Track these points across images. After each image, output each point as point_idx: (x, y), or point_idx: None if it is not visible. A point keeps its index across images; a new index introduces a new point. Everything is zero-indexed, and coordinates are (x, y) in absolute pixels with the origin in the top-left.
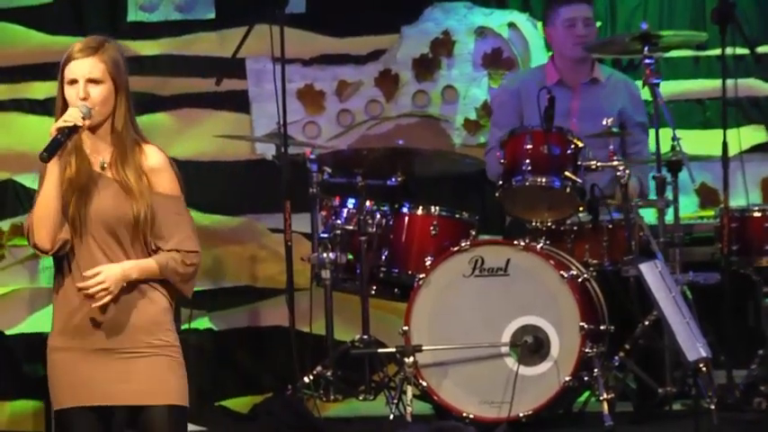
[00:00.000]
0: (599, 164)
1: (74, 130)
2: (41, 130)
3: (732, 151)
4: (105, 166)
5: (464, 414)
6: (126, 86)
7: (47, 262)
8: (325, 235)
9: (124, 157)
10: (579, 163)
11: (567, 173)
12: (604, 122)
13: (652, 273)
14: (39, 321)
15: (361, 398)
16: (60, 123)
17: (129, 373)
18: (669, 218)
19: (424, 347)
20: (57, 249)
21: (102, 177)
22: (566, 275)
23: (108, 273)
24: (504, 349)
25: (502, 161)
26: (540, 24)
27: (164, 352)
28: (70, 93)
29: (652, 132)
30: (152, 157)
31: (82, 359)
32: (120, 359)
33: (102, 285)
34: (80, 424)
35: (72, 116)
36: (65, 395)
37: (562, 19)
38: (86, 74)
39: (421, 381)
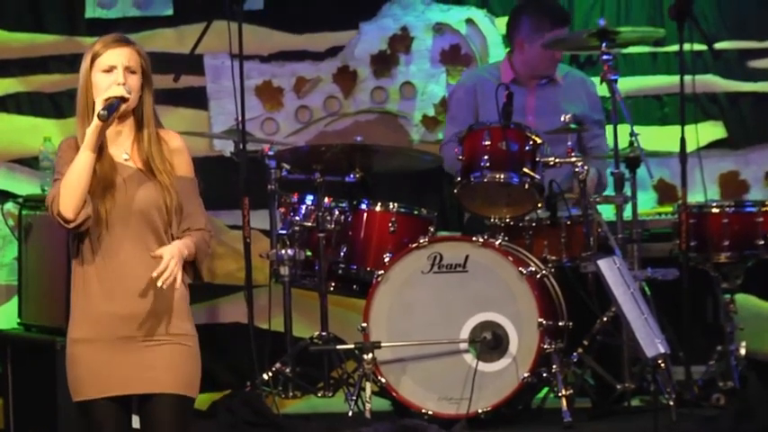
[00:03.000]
0: (557, 160)
1: (122, 101)
2: None
3: (690, 147)
4: (128, 156)
5: (423, 410)
6: (151, 81)
7: (5, 259)
8: (284, 231)
9: (149, 146)
10: (538, 159)
11: (525, 169)
12: (562, 119)
13: (610, 269)
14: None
15: (319, 395)
16: (110, 94)
17: (145, 361)
18: (627, 214)
19: (382, 344)
20: (79, 224)
21: (126, 168)
22: (524, 272)
23: (172, 251)
24: (463, 346)
25: (460, 157)
26: (498, 21)
27: (180, 341)
28: (105, 79)
29: (610, 128)
30: (172, 140)
31: (103, 349)
32: (139, 347)
33: (173, 263)
34: (106, 415)
35: (118, 90)
36: (88, 386)
37: (547, 41)
38: (125, 62)
39: (380, 377)
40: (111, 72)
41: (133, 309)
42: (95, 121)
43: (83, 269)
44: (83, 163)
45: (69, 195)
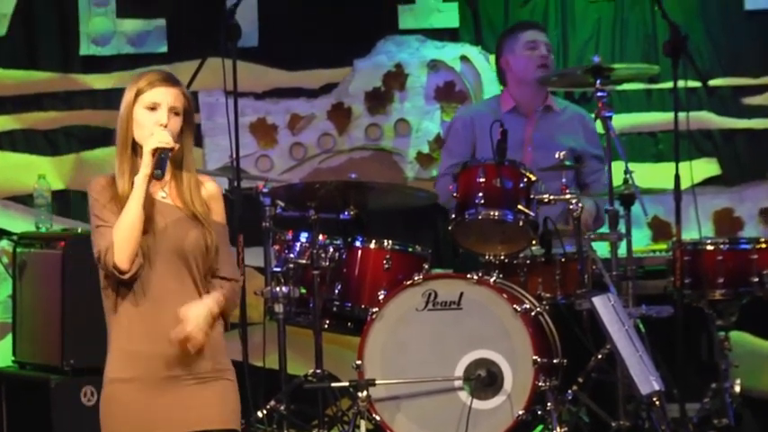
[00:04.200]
0: (552, 197)
1: (171, 151)
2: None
3: (684, 184)
4: (165, 195)
5: None
6: (194, 124)
7: (0, 297)
8: (278, 269)
9: (189, 187)
10: (532, 196)
11: (519, 206)
12: (557, 156)
13: (605, 306)
14: None
15: None
16: (158, 144)
17: (192, 399)
18: (622, 251)
19: (377, 381)
20: (134, 273)
21: (166, 206)
22: (519, 309)
23: (197, 312)
24: (458, 383)
25: (455, 194)
26: (492, 57)
27: (224, 376)
28: (148, 117)
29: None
30: (209, 185)
31: (143, 390)
32: (185, 386)
33: (199, 327)
34: None
35: (165, 139)
36: (126, 427)
37: (524, 42)
38: (171, 102)
39: (374, 415)
40: (155, 110)
41: (176, 349)
42: (144, 171)
43: (125, 309)
44: (135, 214)
45: (124, 247)
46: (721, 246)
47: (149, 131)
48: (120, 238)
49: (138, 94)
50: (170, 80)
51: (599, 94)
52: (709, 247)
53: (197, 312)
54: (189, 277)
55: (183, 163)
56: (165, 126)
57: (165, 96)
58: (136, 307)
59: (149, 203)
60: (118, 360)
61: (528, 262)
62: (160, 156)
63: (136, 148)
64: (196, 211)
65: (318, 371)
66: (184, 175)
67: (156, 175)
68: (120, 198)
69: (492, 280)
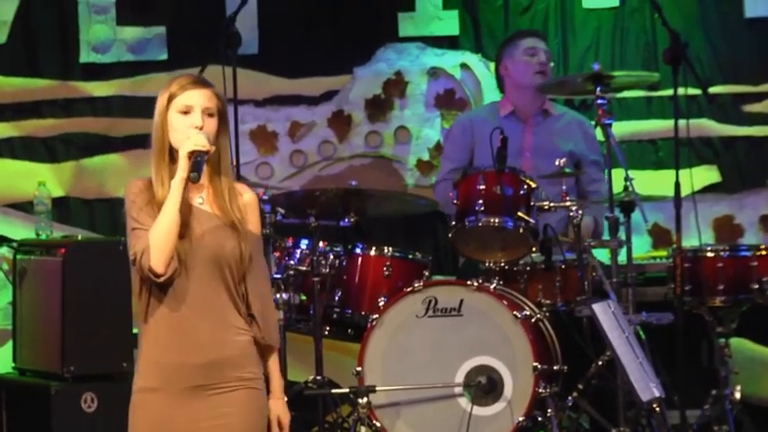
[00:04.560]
0: (552, 204)
1: (206, 154)
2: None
3: (684, 191)
4: (202, 200)
5: None
6: (228, 125)
7: (0, 303)
8: (279, 276)
9: (226, 193)
10: (532, 203)
11: (519, 213)
12: (557, 163)
13: (605, 313)
14: None
15: None
16: (194, 147)
17: (218, 409)
18: (622, 258)
19: (377, 388)
20: (169, 276)
21: (202, 212)
22: (519, 316)
23: (284, 415)
24: (458, 390)
25: (455, 201)
26: (492, 65)
27: (252, 384)
28: (183, 121)
29: (606, 172)
30: (246, 194)
31: (169, 399)
32: (211, 395)
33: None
34: None
35: (201, 141)
36: None
37: (523, 48)
38: (203, 104)
39: (374, 421)
40: (188, 113)
41: (205, 357)
42: (180, 175)
43: (156, 316)
44: (171, 218)
45: (160, 250)
46: (721, 253)
47: (185, 135)
48: (156, 241)
49: (170, 98)
50: (202, 82)
51: (599, 101)
52: (710, 254)
53: (283, 415)
54: (222, 285)
55: (220, 166)
56: (201, 128)
57: (199, 98)
58: (168, 313)
59: (186, 209)
60: (146, 369)
61: (528, 269)
62: (196, 159)
63: (173, 154)
64: (234, 217)
65: (319, 377)
66: (222, 179)
67: (193, 177)
68: (158, 203)
69: (492, 287)
